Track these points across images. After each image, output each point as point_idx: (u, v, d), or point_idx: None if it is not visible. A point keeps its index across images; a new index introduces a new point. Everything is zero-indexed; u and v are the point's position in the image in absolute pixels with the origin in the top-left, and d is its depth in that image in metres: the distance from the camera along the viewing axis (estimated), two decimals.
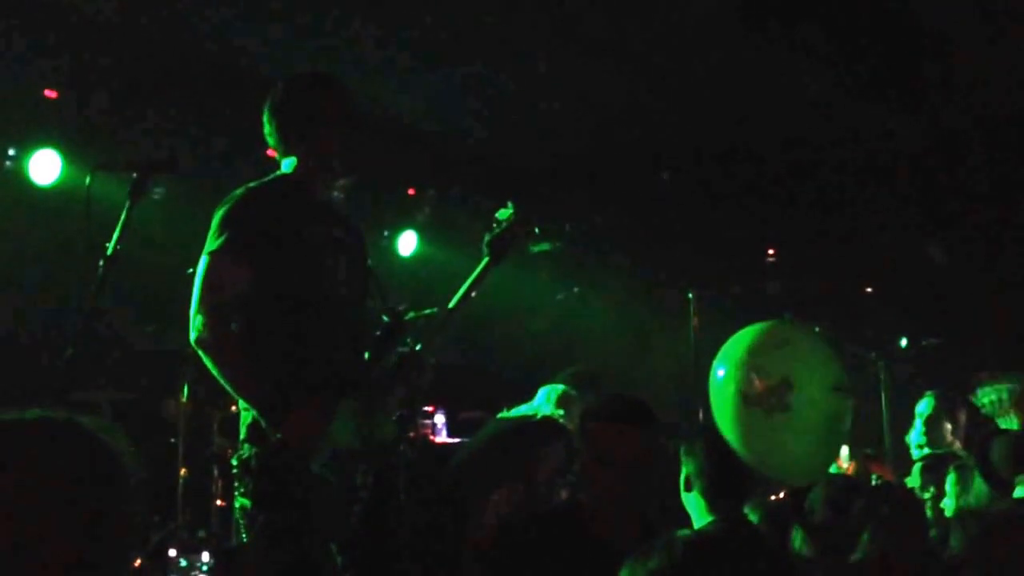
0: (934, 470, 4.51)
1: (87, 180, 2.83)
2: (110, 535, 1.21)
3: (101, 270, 2.70)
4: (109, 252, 2.70)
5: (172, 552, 4.91)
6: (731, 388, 2.68)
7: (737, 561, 1.81)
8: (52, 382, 2.94)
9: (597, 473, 2.66)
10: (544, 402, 4.80)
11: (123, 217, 2.74)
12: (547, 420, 4.54)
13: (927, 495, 4.45)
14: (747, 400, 2.62)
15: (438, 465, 4.65)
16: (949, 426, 4.99)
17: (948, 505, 4.26)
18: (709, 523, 2.98)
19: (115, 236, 2.72)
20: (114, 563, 1.21)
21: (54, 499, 1.18)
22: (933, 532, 3.95)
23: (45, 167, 5.23)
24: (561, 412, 4.70)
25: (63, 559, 1.17)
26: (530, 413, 4.72)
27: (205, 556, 4.93)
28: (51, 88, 5.11)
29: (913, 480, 4.90)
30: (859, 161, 6.92)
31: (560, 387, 4.86)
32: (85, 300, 2.73)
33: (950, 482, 4.26)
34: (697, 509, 3.08)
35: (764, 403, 2.59)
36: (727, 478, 3.09)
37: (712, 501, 3.04)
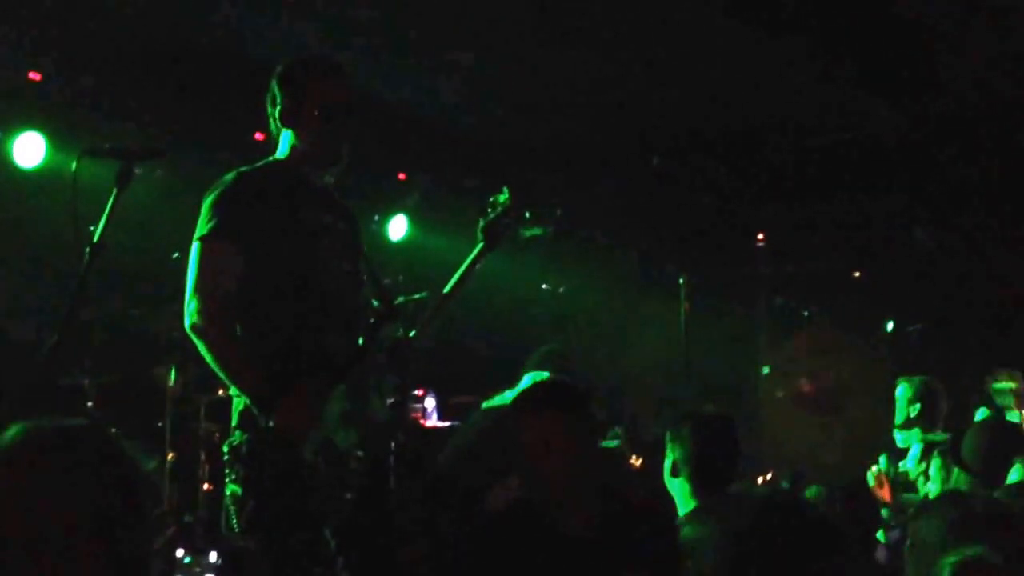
0: (930, 455, 4.53)
1: (73, 166, 2.80)
2: (132, 533, 1.23)
3: (87, 256, 2.67)
4: (95, 239, 2.67)
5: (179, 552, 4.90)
6: (779, 389, 2.70)
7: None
8: (38, 366, 2.91)
9: (530, 464, 2.63)
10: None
11: (109, 205, 2.71)
12: None
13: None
14: (797, 402, 2.64)
15: (428, 453, 4.64)
16: (927, 412, 5.02)
17: (932, 490, 4.29)
18: (705, 505, 2.98)
19: (101, 224, 2.69)
20: (139, 559, 1.24)
21: (83, 500, 1.21)
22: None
23: (29, 150, 5.18)
24: None
25: (92, 559, 1.19)
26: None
27: (213, 556, 4.92)
28: (35, 70, 5.06)
29: (908, 465, 4.93)
30: (847, 146, 6.93)
31: (546, 374, 4.84)
32: (71, 285, 2.70)
33: (934, 467, 4.30)
34: (682, 495, 3.08)
35: (815, 406, 2.60)
36: (715, 464, 3.09)
37: (699, 487, 3.04)
